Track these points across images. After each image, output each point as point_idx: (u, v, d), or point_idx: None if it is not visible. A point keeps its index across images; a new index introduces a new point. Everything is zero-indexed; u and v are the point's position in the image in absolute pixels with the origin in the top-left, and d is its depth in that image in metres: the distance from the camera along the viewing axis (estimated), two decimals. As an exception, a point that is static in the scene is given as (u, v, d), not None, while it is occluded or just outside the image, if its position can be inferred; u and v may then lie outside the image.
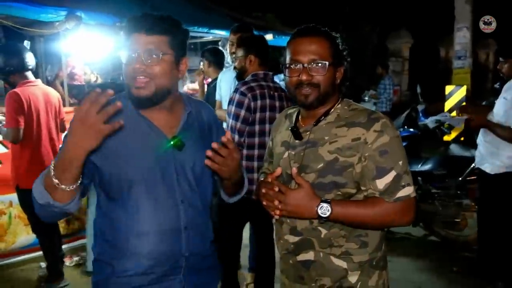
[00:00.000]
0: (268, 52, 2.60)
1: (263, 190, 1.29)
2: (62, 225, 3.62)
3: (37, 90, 2.98)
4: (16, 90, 2.87)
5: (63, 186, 1.12)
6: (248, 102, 2.40)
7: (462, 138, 6.28)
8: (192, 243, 1.35)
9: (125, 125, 1.28)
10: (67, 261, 3.43)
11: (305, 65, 1.30)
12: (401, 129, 4.63)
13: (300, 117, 1.42)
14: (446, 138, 5.86)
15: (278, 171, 1.33)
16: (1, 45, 3.08)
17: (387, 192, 1.26)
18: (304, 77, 1.30)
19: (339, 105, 1.37)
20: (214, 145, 1.22)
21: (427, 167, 3.79)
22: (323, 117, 1.35)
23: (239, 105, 2.40)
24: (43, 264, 3.27)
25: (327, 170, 1.29)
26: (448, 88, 7.47)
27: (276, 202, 1.27)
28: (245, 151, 2.47)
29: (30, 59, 2.93)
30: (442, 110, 6.68)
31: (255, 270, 2.94)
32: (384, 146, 1.26)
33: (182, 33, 1.32)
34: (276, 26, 6.16)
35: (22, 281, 3.22)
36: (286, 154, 1.40)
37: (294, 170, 1.27)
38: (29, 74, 2.97)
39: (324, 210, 1.23)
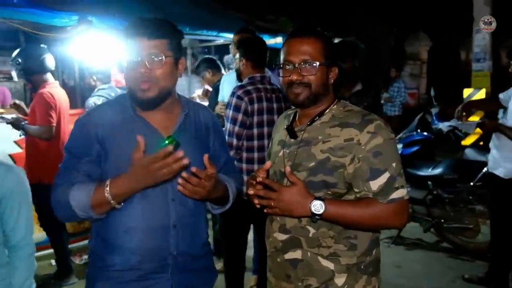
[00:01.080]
0: (263, 55, 2.60)
1: (251, 192, 1.29)
2: (73, 224, 3.70)
3: (60, 91, 3.17)
4: (47, 89, 3.02)
5: (117, 206, 1.27)
6: (245, 105, 2.41)
7: (481, 143, 6.11)
8: (181, 242, 1.37)
9: (122, 124, 1.34)
10: (77, 260, 3.51)
11: (296, 65, 1.32)
12: (414, 133, 4.54)
13: (297, 117, 1.44)
14: (464, 142, 5.72)
15: (267, 165, 1.34)
16: (24, 48, 3.21)
17: (381, 194, 1.26)
18: (294, 77, 1.33)
19: (335, 105, 1.39)
20: (184, 174, 1.27)
21: (437, 171, 3.70)
22: (317, 117, 1.37)
23: (236, 109, 2.42)
24: (54, 262, 3.35)
25: (318, 169, 1.30)
26: (467, 91, 7.29)
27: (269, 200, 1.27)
28: (245, 154, 2.49)
29: (50, 61, 3.08)
30: (459, 113, 6.51)
31: (258, 273, 2.93)
32: (378, 147, 1.26)
33: (179, 34, 1.37)
34: (288, 29, 6.14)
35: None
36: (281, 153, 1.42)
37: (288, 168, 1.27)
38: (49, 75, 3.11)
39: (318, 207, 1.23)
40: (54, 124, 3.00)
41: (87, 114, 1.42)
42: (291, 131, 1.40)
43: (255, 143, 2.47)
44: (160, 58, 1.28)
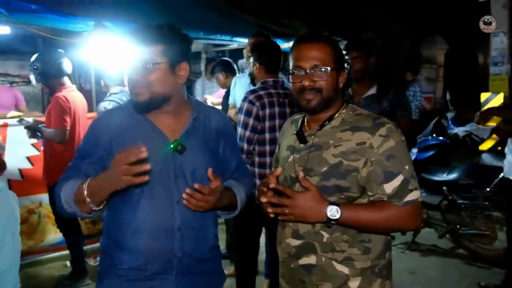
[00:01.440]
0: (277, 60, 2.59)
1: (264, 200, 1.28)
2: (88, 225, 3.77)
3: (76, 94, 3.23)
4: (63, 93, 3.09)
5: (91, 205, 1.29)
6: (257, 110, 2.42)
7: (499, 148, 5.97)
8: (186, 244, 1.38)
9: (130, 128, 1.37)
10: (91, 261, 3.55)
11: (308, 70, 1.32)
12: (430, 137, 4.48)
13: (305, 121, 1.44)
14: (482, 147, 5.61)
15: (278, 170, 1.33)
16: (42, 53, 3.29)
17: (396, 196, 1.26)
18: (306, 83, 1.32)
19: (344, 110, 1.38)
20: (188, 190, 1.30)
21: (452, 176, 3.65)
22: (327, 122, 1.36)
23: (248, 113, 2.43)
24: (69, 263, 3.40)
25: (331, 174, 1.30)
26: (484, 96, 7.14)
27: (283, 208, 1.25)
28: (257, 159, 2.50)
29: (67, 65, 3.14)
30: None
31: (270, 277, 2.92)
32: (390, 150, 1.26)
33: (180, 39, 1.38)
34: (302, 34, 6.11)
35: (48, 278, 3.37)
36: (291, 158, 1.40)
37: (301, 173, 1.26)
38: (66, 79, 3.18)
39: (334, 212, 1.23)
40: (68, 128, 3.05)
41: (98, 119, 1.48)
42: (301, 136, 1.39)
43: (267, 148, 2.48)
44: (149, 64, 1.30)
